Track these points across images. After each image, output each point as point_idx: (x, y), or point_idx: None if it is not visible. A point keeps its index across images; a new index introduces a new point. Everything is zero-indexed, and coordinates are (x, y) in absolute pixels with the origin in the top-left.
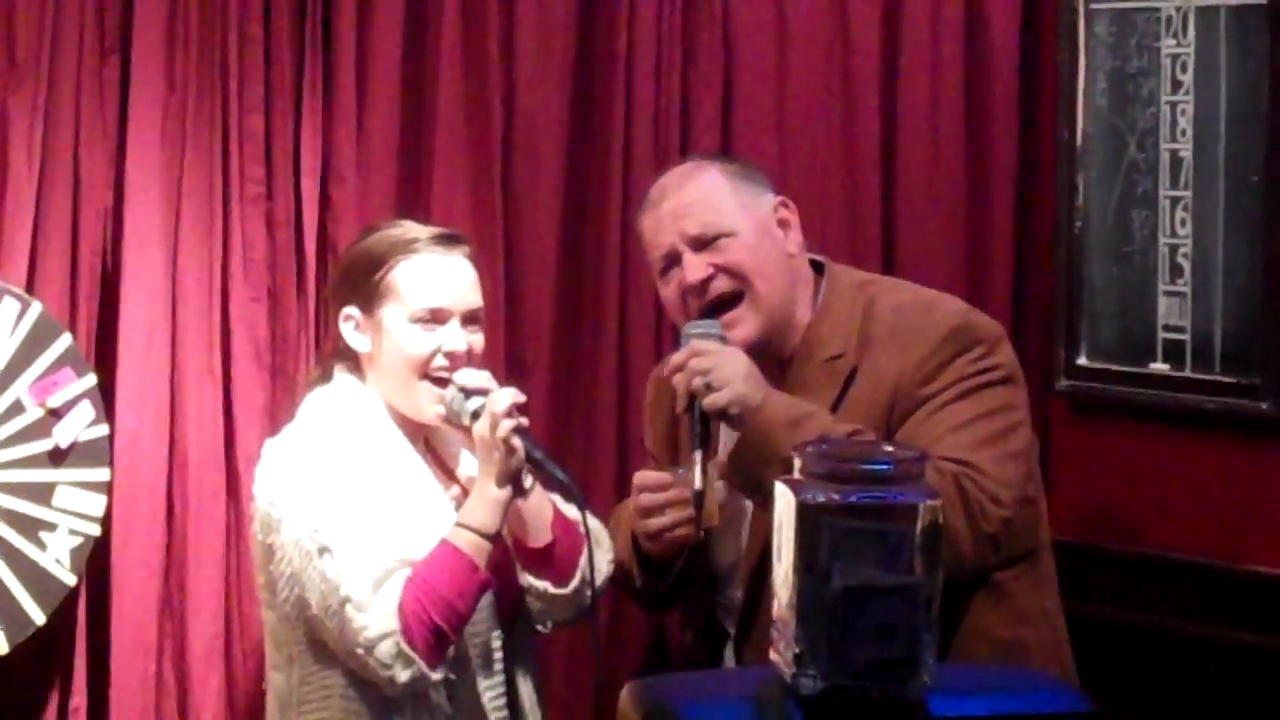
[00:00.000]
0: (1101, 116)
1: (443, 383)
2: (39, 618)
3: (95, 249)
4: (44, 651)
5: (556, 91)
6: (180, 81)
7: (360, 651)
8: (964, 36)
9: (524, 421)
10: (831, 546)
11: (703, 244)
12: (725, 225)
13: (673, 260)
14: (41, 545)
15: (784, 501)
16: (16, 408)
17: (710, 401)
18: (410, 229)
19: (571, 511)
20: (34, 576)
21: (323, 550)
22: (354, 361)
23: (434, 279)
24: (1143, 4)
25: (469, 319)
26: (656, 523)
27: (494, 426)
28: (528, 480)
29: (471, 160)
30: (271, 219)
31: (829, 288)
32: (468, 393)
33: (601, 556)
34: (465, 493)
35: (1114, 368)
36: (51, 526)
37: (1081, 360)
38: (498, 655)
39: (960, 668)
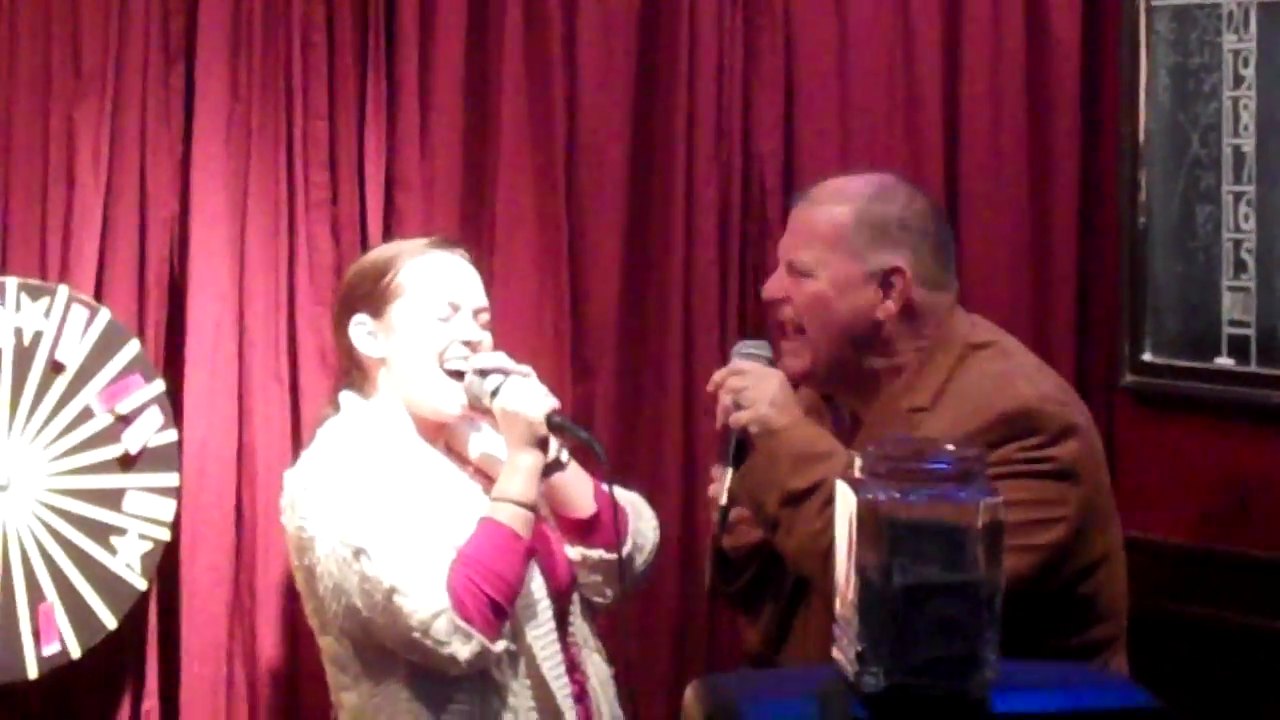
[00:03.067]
0: (1164, 113)
1: (460, 375)
2: (111, 622)
3: (162, 256)
4: (116, 656)
5: (619, 93)
6: (244, 89)
7: (416, 636)
8: (1025, 35)
9: (556, 403)
10: (892, 545)
11: (791, 269)
12: (811, 266)
13: (779, 256)
14: (112, 550)
15: (844, 500)
16: (86, 414)
17: (734, 419)
18: (407, 239)
19: (615, 488)
20: (105, 581)
21: (358, 552)
22: (360, 380)
23: (442, 274)
24: (1204, 0)
25: (477, 314)
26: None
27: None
28: (563, 455)
29: (535, 163)
30: (336, 225)
31: (940, 342)
32: (484, 373)
33: (644, 525)
34: (478, 473)
35: (1179, 363)
36: (122, 531)
37: (1146, 356)
38: (555, 630)
39: (1024, 664)
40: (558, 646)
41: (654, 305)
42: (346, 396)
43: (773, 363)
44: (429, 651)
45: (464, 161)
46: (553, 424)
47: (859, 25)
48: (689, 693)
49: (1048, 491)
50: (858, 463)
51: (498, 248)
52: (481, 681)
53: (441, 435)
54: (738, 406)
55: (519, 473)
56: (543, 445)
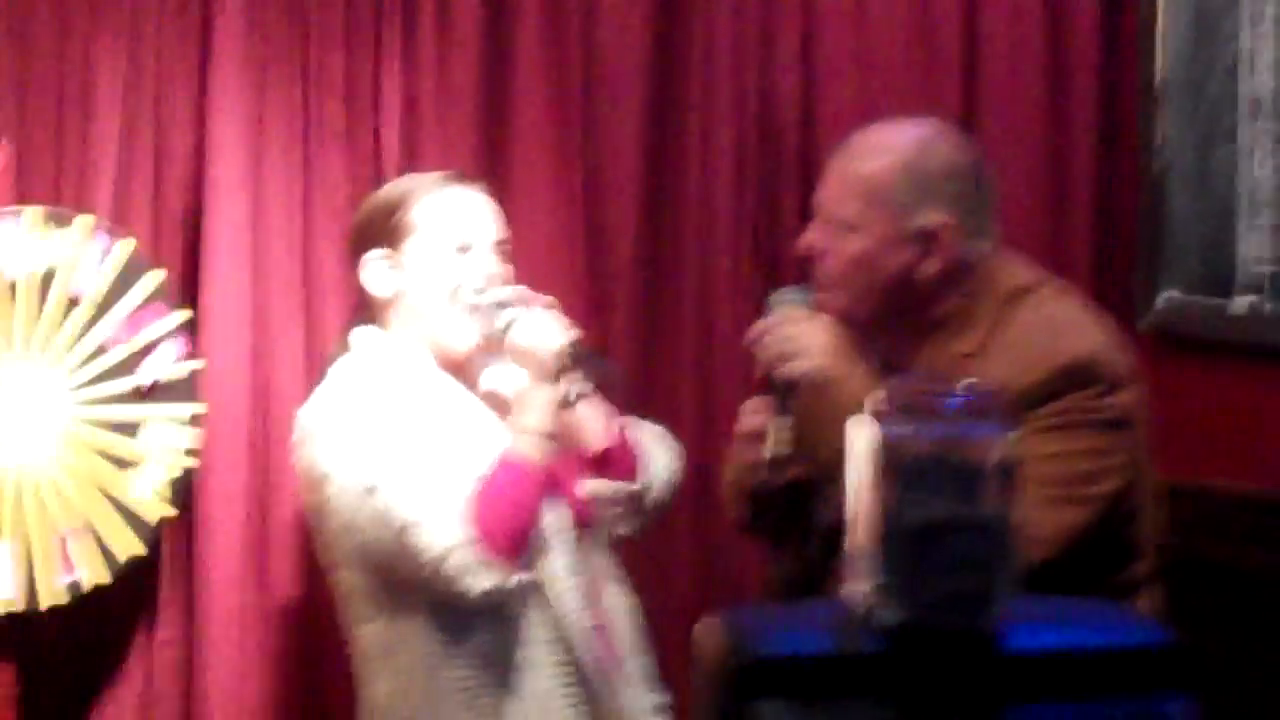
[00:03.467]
0: (1183, 54)
1: (476, 310)
2: (129, 551)
3: (179, 187)
4: (134, 585)
5: (636, 27)
6: (260, 20)
7: (431, 571)
8: (1045, 35)
9: (574, 335)
10: (907, 480)
11: (830, 223)
12: (852, 222)
13: (815, 208)
14: (133, 479)
15: (858, 434)
16: (106, 344)
17: (789, 369)
18: (424, 175)
19: (634, 420)
20: (125, 510)
21: (370, 489)
22: (375, 318)
23: (458, 209)
24: None
25: (497, 249)
26: (759, 451)
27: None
28: (572, 393)
29: (553, 96)
30: (352, 157)
31: (984, 287)
32: (501, 305)
33: (662, 456)
34: (499, 407)
35: (1196, 300)
36: (143, 460)
37: (1165, 295)
38: (572, 565)
39: (1040, 600)
40: (576, 579)
41: (670, 239)
42: (360, 332)
43: (814, 307)
44: (446, 584)
45: (481, 94)
46: (572, 355)
47: (878, 11)
48: (700, 628)
49: (1104, 441)
50: (875, 395)
51: (515, 181)
52: (500, 613)
53: (460, 370)
54: (788, 357)
55: (535, 404)
56: (559, 378)
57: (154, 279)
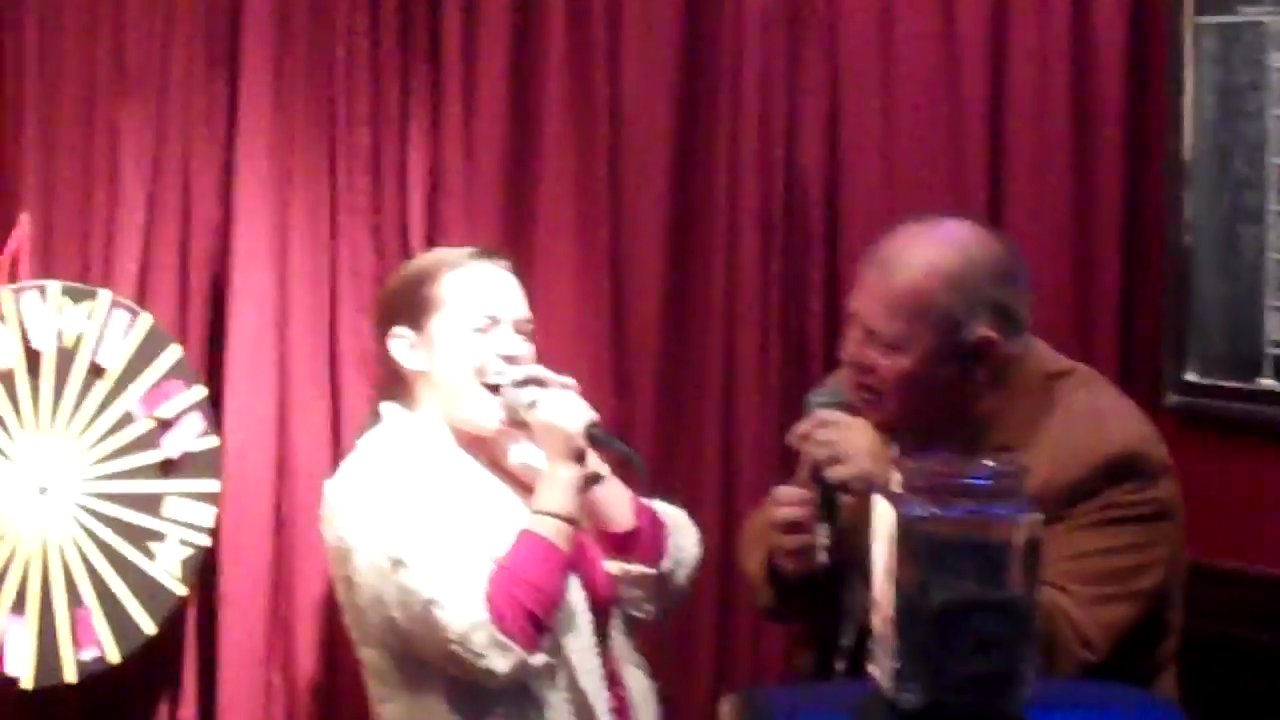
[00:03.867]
0: (1209, 131)
1: (499, 389)
2: (149, 628)
3: (205, 262)
4: (154, 662)
5: (662, 101)
6: (287, 95)
7: (454, 647)
8: (1071, 54)
9: (595, 416)
10: (930, 561)
11: (873, 339)
12: (897, 341)
13: (851, 317)
14: (151, 555)
15: (883, 515)
16: (127, 418)
17: (833, 474)
18: (448, 249)
19: (655, 503)
20: (144, 586)
21: (396, 563)
22: (401, 391)
23: (482, 286)
24: (1250, 18)
25: (519, 327)
26: (793, 540)
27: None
28: (602, 469)
29: (578, 172)
30: (379, 232)
31: (1019, 378)
32: (523, 384)
33: (685, 540)
34: (519, 486)
35: (1222, 383)
36: (161, 537)
37: (1190, 376)
38: (595, 644)
39: (1061, 682)
40: (598, 660)
41: (695, 316)
42: (388, 407)
43: (851, 407)
44: (467, 663)
45: (506, 169)
46: (592, 437)
47: (904, 37)
48: (724, 706)
49: (1149, 534)
50: (896, 477)
51: (539, 256)
52: (520, 694)
53: (483, 448)
54: (833, 460)
55: (557, 485)
56: (580, 458)
57: (173, 354)
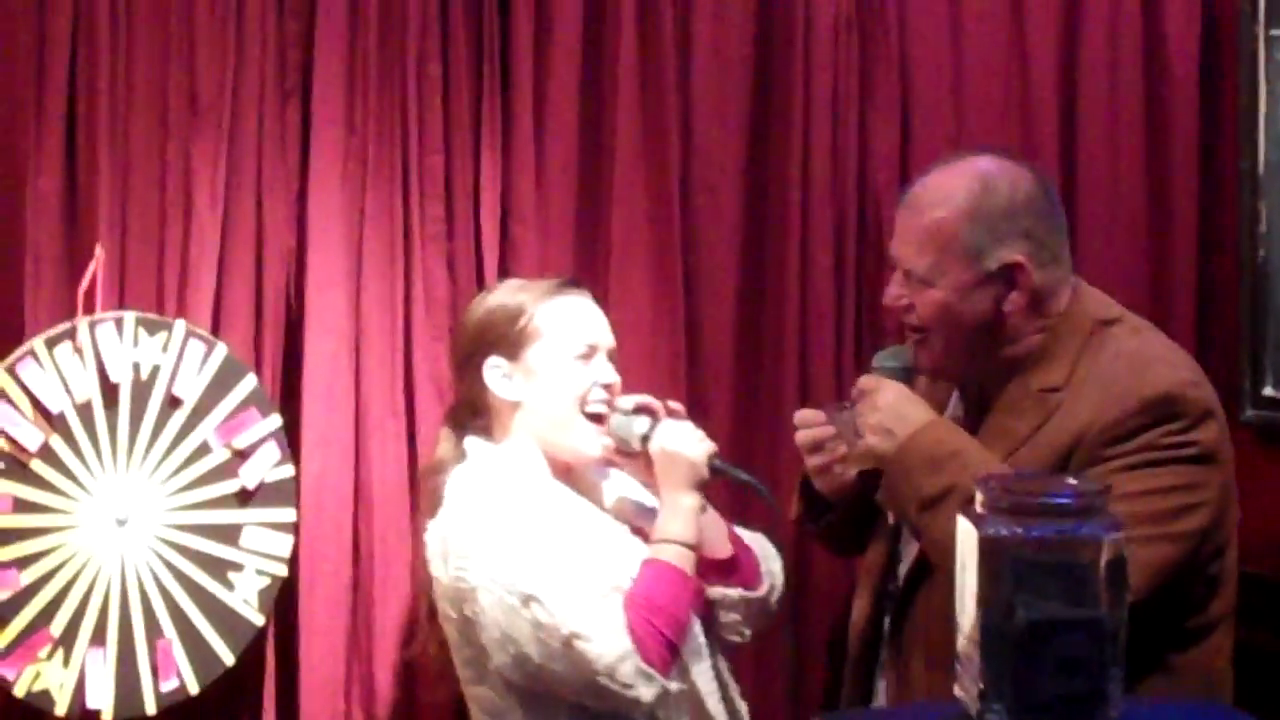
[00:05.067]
0: None
1: (599, 419)
2: (228, 658)
3: (279, 291)
4: (233, 692)
5: (733, 123)
6: (360, 123)
7: (603, 680)
8: (1143, 67)
9: (714, 446)
10: (1014, 580)
11: (909, 277)
12: (929, 274)
13: (892, 263)
14: (229, 585)
15: (966, 535)
16: (204, 449)
17: (854, 452)
18: (530, 280)
19: (736, 528)
20: (223, 617)
21: (527, 599)
22: (487, 424)
23: (580, 316)
24: None
25: (611, 356)
26: (815, 459)
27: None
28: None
29: (650, 194)
30: (452, 258)
31: (1067, 320)
32: (637, 411)
33: (774, 564)
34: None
35: None
36: (239, 567)
37: (1267, 390)
38: (711, 665)
39: (1148, 702)
40: (715, 683)
41: (769, 336)
42: (474, 443)
43: (908, 369)
44: (614, 696)
45: (579, 193)
46: (713, 467)
47: (974, 56)
48: None
49: (1191, 476)
50: (979, 497)
51: (612, 279)
52: (649, 715)
53: (571, 477)
54: (855, 435)
55: (680, 513)
56: (702, 487)
57: (249, 384)
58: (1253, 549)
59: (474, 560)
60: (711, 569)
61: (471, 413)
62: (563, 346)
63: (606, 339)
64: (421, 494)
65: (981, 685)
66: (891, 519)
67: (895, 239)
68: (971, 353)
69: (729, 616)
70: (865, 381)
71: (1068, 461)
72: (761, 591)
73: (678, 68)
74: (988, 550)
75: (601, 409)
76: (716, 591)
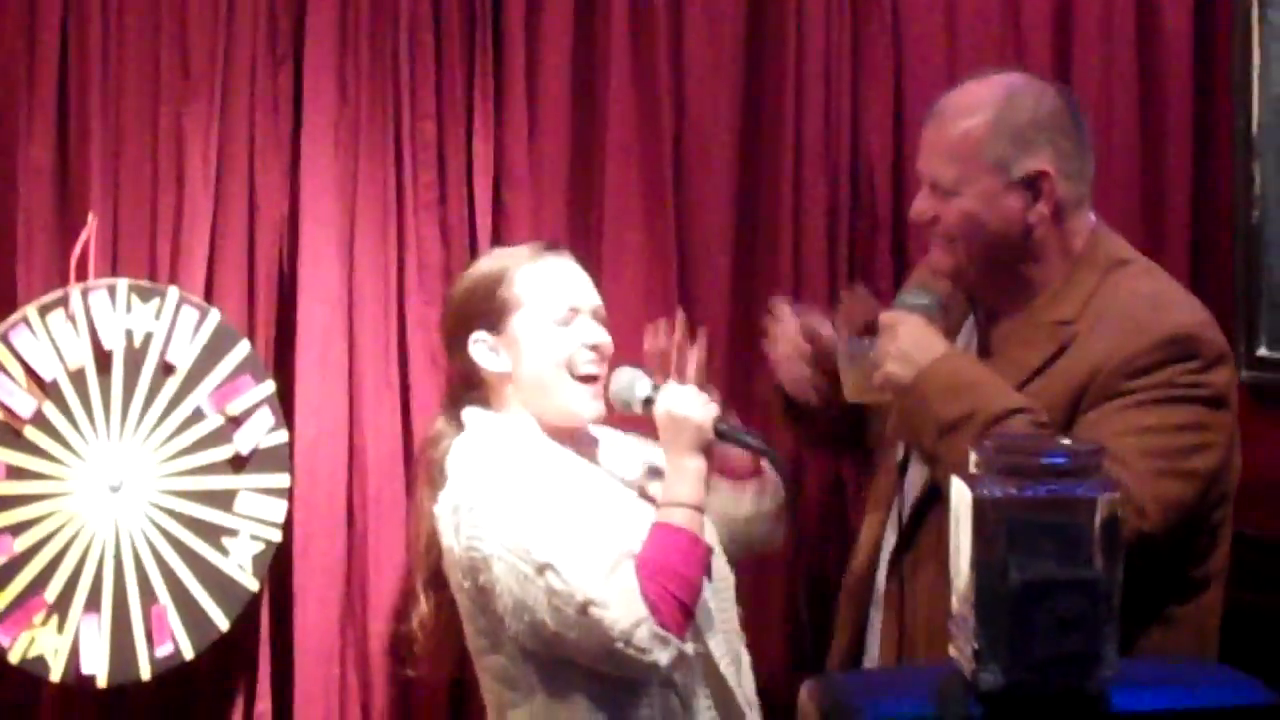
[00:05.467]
0: (1277, 103)
1: (590, 379)
2: (223, 624)
3: (272, 257)
4: (228, 657)
5: (726, 91)
6: (352, 90)
7: (619, 645)
8: (1136, 29)
9: (717, 408)
10: (1009, 541)
11: (935, 188)
12: (954, 184)
13: (919, 178)
14: (224, 551)
15: (960, 496)
16: (197, 415)
17: (873, 381)
18: (511, 248)
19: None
20: (217, 582)
21: (542, 568)
22: (483, 396)
23: (558, 279)
24: None
25: (596, 315)
26: (771, 352)
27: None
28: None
29: (643, 162)
30: (445, 224)
31: (1084, 257)
32: (636, 376)
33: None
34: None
35: None
36: (234, 532)
37: (1261, 351)
38: (724, 629)
39: (1143, 661)
40: (728, 645)
41: (762, 306)
42: (471, 413)
43: (929, 307)
44: (630, 661)
45: (572, 160)
46: (719, 430)
47: (967, 22)
48: (803, 691)
49: (1204, 417)
50: (973, 458)
51: (606, 246)
52: (664, 685)
53: (570, 440)
54: (873, 365)
55: (687, 477)
56: (708, 451)
57: (242, 350)
58: (1250, 508)
59: (486, 530)
60: (738, 472)
61: (466, 389)
62: (543, 312)
63: (589, 299)
64: (419, 467)
65: (976, 646)
66: (901, 452)
67: (922, 154)
68: (993, 263)
69: (759, 528)
70: (887, 316)
71: (1082, 394)
72: (779, 501)
73: (670, 35)
74: (981, 511)
75: (592, 369)
76: (746, 503)
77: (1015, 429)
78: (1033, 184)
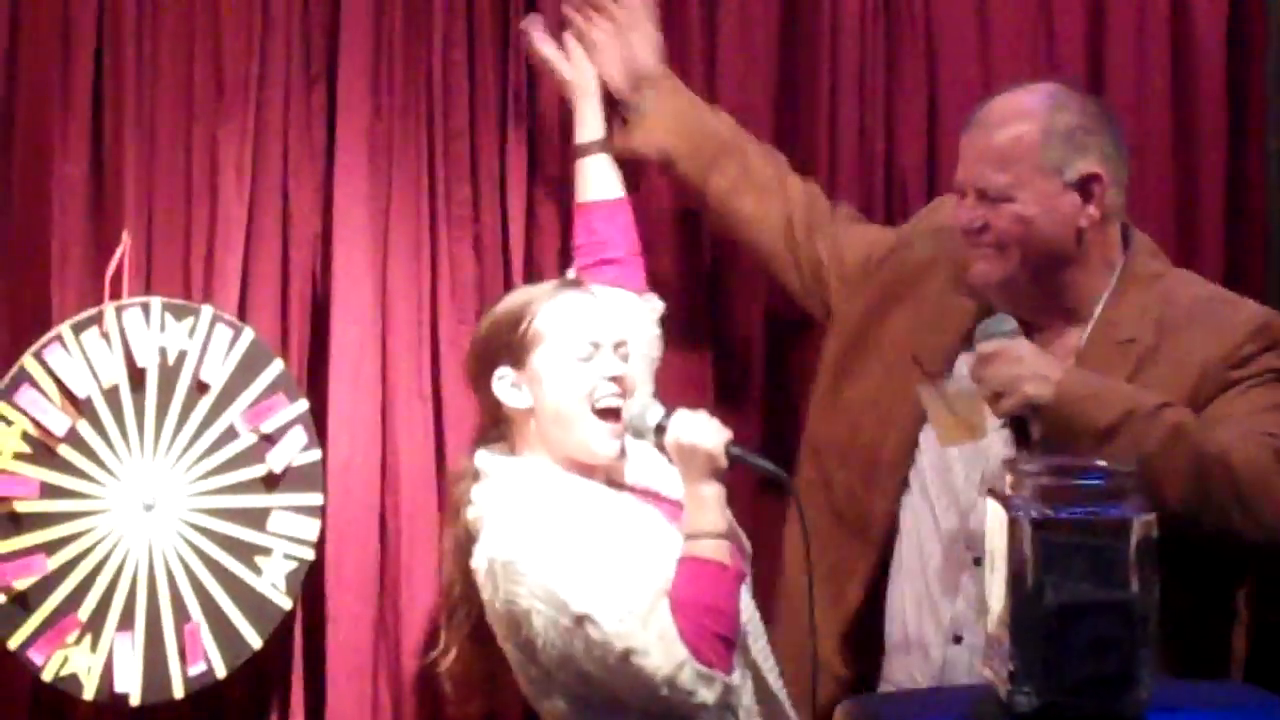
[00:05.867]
0: None
1: (612, 414)
2: (256, 642)
3: (305, 276)
4: (261, 676)
5: (759, 105)
6: (386, 107)
7: (664, 691)
8: (1170, 47)
9: (730, 434)
10: (1044, 562)
11: (983, 196)
12: (1007, 190)
13: (961, 189)
14: (257, 570)
15: (995, 517)
16: (230, 433)
17: (1002, 409)
18: (534, 285)
19: None
20: (250, 601)
21: (581, 620)
22: (504, 434)
23: (580, 314)
24: None
25: (618, 349)
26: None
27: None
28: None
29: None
30: (479, 241)
31: (1126, 272)
32: (647, 404)
33: None
34: (645, 495)
35: None
36: (267, 551)
37: None
38: (767, 643)
39: (1179, 684)
40: (771, 657)
41: (800, 322)
42: (485, 459)
43: (1018, 329)
44: (677, 704)
45: None
46: (732, 456)
47: (1001, 36)
48: (839, 713)
49: None
50: (1009, 478)
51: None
52: (720, 708)
53: (596, 471)
54: (998, 397)
55: (706, 505)
56: (721, 476)
57: (275, 369)
58: None
59: (522, 584)
60: None
61: (493, 425)
62: (565, 347)
63: (611, 333)
64: (447, 499)
65: (1011, 667)
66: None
67: (965, 163)
68: (1043, 270)
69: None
70: (985, 347)
71: (1195, 398)
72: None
73: (704, 46)
74: (1016, 532)
75: (613, 403)
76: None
77: (1170, 420)
78: (1085, 186)
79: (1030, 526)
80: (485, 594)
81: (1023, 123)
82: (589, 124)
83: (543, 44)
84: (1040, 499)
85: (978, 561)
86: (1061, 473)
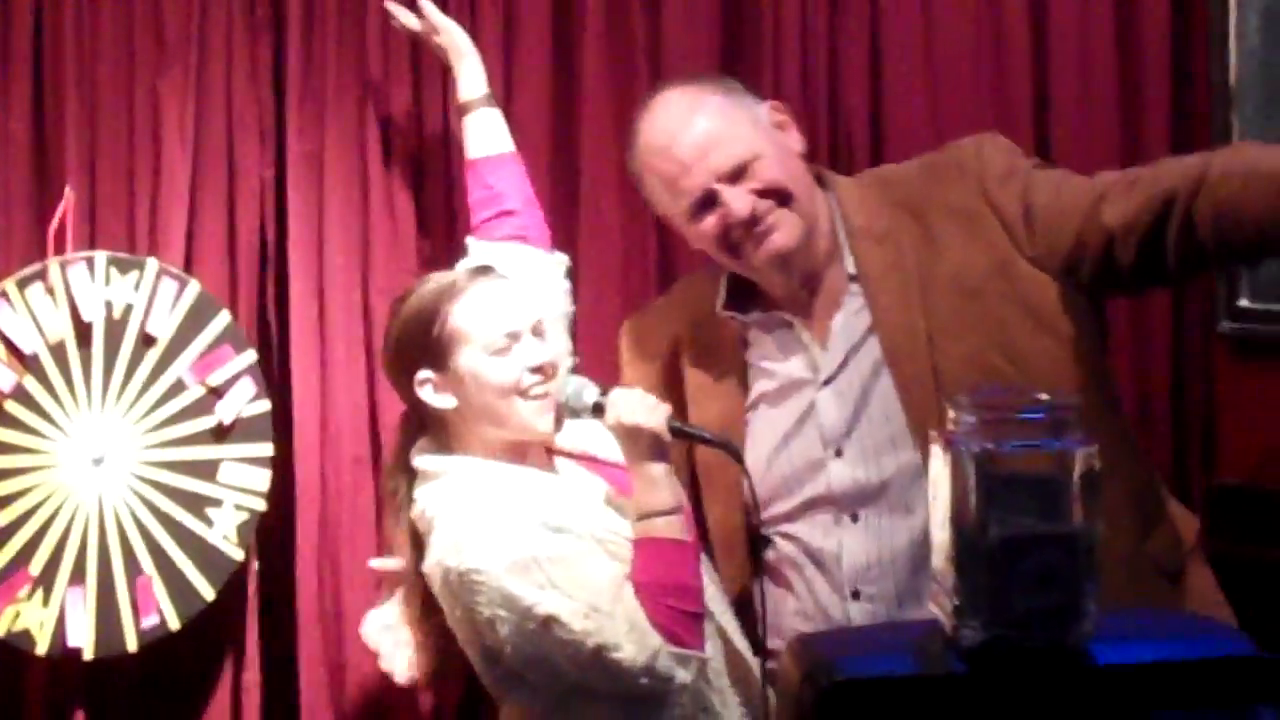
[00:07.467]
0: (1255, 55)
1: (540, 398)
2: (208, 594)
3: (252, 227)
4: (214, 627)
5: (703, 49)
6: (332, 58)
7: (644, 680)
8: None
9: (669, 409)
10: (987, 497)
11: (738, 175)
12: (751, 150)
13: (708, 201)
14: (208, 521)
15: (937, 452)
16: (178, 386)
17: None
18: (442, 276)
19: None
20: (202, 553)
21: (548, 622)
22: (435, 433)
23: (491, 308)
24: None
25: (537, 330)
26: None
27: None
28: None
29: (619, 126)
30: (420, 193)
31: (827, 184)
32: (580, 384)
33: None
34: (584, 460)
35: (1276, 308)
36: (217, 503)
37: (1243, 302)
38: (730, 615)
39: (1122, 614)
40: (735, 619)
41: None
42: (423, 459)
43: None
44: (655, 689)
45: (551, 128)
46: (674, 429)
47: None
48: (785, 650)
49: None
50: (950, 414)
51: (583, 209)
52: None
53: (526, 453)
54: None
55: (656, 484)
56: (665, 453)
57: (222, 320)
58: (1232, 459)
59: (480, 595)
60: None
61: (419, 419)
62: (481, 345)
63: (527, 318)
64: (384, 495)
65: (957, 601)
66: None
67: (694, 171)
68: (806, 214)
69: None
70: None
71: (1015, 229)
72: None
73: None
74: (959, 467)
75: (540, 390)
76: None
77: None
78: (777, 120)
79: (971, 461)
80: (443, 603)
81: (707, 104)
82: (469, 82)
83: (406, 19)
84: (983, 433)
85: (855, 518)
86: (1003, 407)
